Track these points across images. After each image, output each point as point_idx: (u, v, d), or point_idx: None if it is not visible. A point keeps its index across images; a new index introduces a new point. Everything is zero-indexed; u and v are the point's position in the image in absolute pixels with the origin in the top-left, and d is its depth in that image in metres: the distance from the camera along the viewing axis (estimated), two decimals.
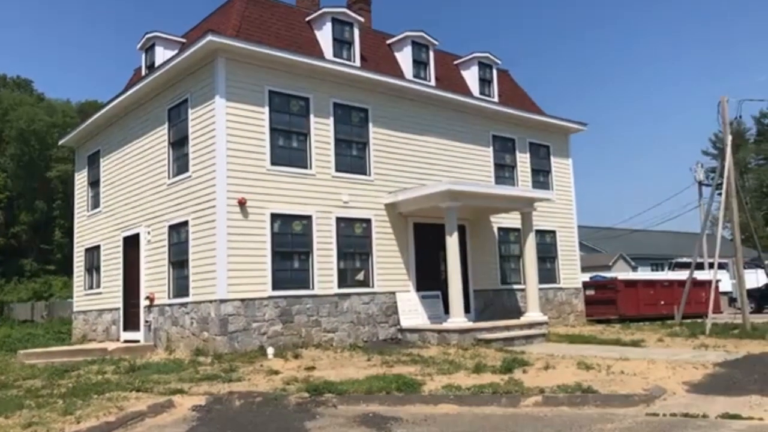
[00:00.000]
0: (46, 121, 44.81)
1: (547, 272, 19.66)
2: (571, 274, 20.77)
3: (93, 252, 18.56)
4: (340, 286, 14.77)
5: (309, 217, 14.45)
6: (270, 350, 12.58)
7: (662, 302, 24.09)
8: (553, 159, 20.73)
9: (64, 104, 51.16)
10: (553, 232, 20.26)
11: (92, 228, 18.75)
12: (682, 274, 30.13)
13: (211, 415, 7.82)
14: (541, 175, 20.36)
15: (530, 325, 15.73)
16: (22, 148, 45.04)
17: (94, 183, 18.98)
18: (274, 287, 13.66)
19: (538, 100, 22.07)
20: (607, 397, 7.94)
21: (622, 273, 37.64)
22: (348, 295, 14.86)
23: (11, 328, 25.20)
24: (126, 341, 15.86)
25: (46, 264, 43.31)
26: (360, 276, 15.32)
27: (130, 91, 15.97)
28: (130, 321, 15.98)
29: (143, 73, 16.80)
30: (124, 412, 7.68)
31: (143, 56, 17.22)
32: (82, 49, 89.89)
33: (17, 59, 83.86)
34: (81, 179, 19.95)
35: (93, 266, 18.53)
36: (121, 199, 17.15)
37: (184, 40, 16.45)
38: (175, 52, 15.42)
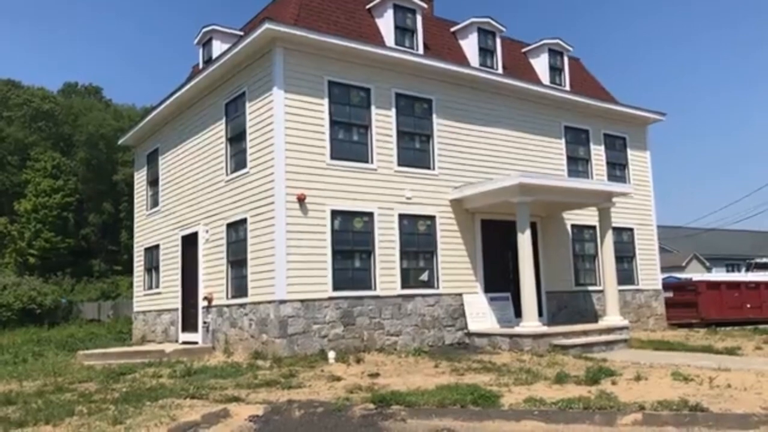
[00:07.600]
0: (113, 125, 45.88)
1: (625, 273, 18.31)
2: (650, 274, 19.35)
3: (152, 251, 18.38)
4: (403, 287, 13.98)
5: (370, 214, 13.72)
6: (331, 354, 11.91)
7: (748, 305, 22.62)
8: (629, 151, 19.35)
9: (129, 108, 52.42)
10: (631, 229, 18.90)
11: (151, 227, 18.58)
12: (762, 275, 28.14)
13: (269, 427, 7.19)
14: (617, 169, 19.01)
15: (609, 330, 14.55)
16: (90, 153, 46.32)
17: (153, 182, 18.82)
18: (335, 287, 12.99)
19: (611, 89, 20.70)
20: (720, 417, 6.82)
21: (697, 274, 35.68)
22: (412, 296, 14.05)
23: (79, 327, 25.58)
24: (184, 342, 15.52)
25: (114, 264, 44.30)
26: (424, 276, 14.49)
27: (186, 87, 15.63)
28: (189, 322, 15.63)
29: (200, 68, 16.45)
30: (176, 422, 7.14)
31: (200, 51, 16.89)
32: (145, 53, 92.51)
33: (87, 67, 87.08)
34: (140, 178, 19.86)
35: (152, 266, 18.36)
36: (179, 197, 16.86)
37: (241, 33, 15.99)
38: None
